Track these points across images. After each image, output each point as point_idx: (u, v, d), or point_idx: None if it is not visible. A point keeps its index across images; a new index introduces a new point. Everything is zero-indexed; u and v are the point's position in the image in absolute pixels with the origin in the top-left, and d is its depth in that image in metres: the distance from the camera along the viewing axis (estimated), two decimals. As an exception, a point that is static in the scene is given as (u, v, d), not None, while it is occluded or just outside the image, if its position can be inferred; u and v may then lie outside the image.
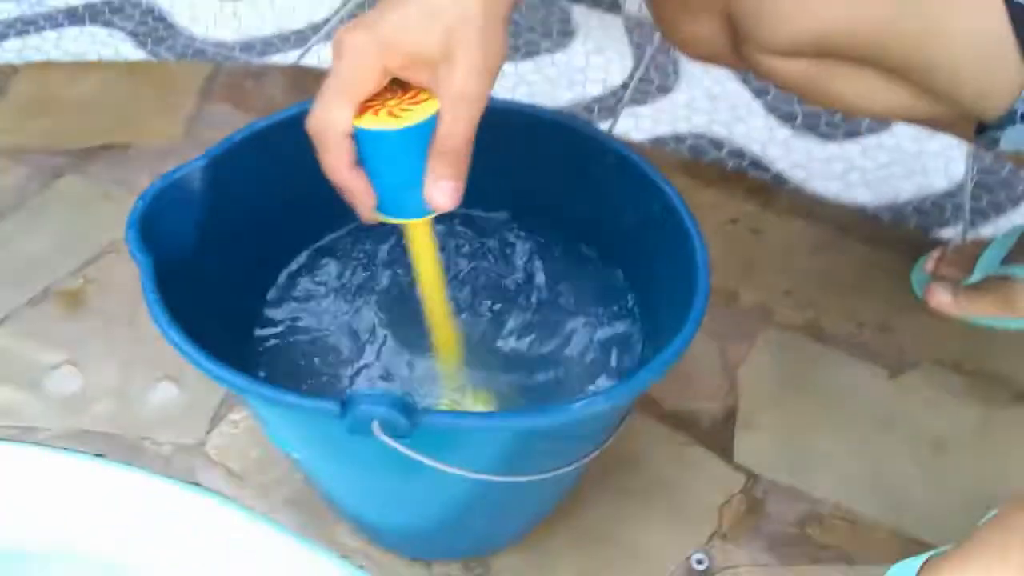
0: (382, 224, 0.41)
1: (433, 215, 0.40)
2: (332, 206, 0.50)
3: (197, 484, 0.58)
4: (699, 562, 0.57)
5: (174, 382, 0.63)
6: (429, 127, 0.36)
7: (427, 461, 0.35)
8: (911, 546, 0.57)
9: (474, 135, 0.37)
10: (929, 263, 0.71)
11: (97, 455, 0.60)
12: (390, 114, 0.36)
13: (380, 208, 0.39)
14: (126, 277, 0.69)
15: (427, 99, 0.36)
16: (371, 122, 0.36)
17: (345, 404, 0.34)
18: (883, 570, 0.56)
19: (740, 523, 0.58)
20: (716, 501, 0.59)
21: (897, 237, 0.75)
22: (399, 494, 0.44)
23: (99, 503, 0.57)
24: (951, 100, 0.48)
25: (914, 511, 0.59)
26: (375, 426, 0.34)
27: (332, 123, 0.36)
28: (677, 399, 0.64)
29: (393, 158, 0.37)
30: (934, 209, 0.78)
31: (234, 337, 0.45)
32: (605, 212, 0.50)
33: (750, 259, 0.73)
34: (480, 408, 0.47)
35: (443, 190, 0.37)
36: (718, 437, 0.62)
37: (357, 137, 0.37)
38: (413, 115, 0.36)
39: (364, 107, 0.36)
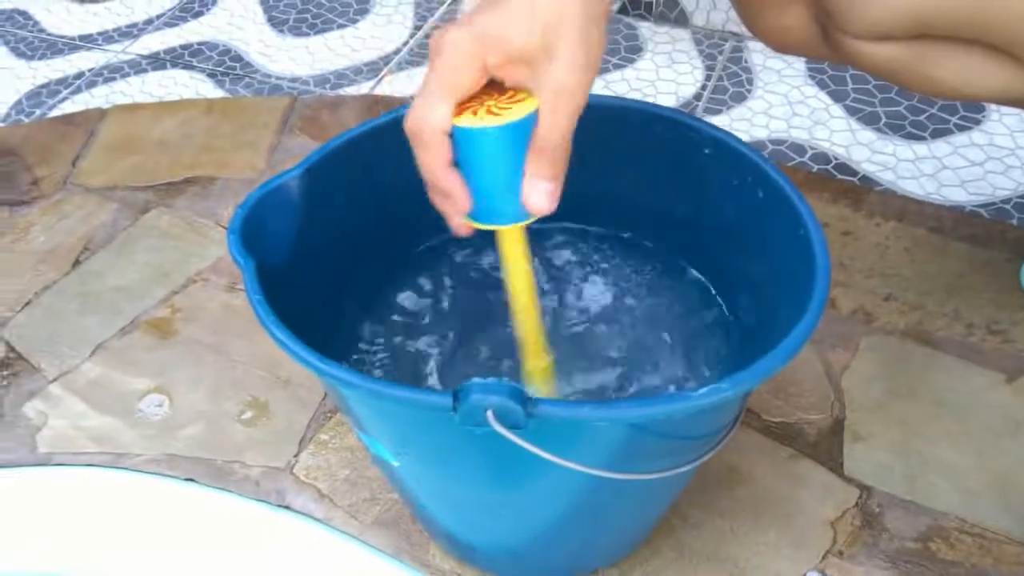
0: (474, 233, 0.39)
1: (527, 222, 0.38)
2: (427, 212, 0.50)
3: (287, 507, 0.58)
4: (815, 581, 0.53)
5: (262, 406, 0.63)
6: (528, 125, 0.35)
7: (540, 453, 0.33)
8: (1050, 561, 0.52)
9: (573, 132, 0.36)
10: (1039, 261, 0.67)
11: (187, 479, 0.59)
12: (489, 112, 0.35)
13: (473, 215, 0.38)
14: (212, 305, 0.70)
15: (525, 98, 0.36)
16: (469, 121, 0.35)
17: (458, 394, 0.33)
18: (1021, 588, 0.51)
19: (856, 539, 0.54)
20: (829, 516, 0.56)
21: (999, 235, 0.71)
22: (501, 500, 0.42)
23: (190, 527, 0.57)
24: None
25: (1050, 523, 0.54)
26: (489, 415, 0.32)
27: (430, 120, 0.35)
28: (779, 410, 0.61)
29: (491, 157, 0.36)
30: (1038, 205, 0.74)
31: (327, 342, 0.44)
32: (701, 210, 0.48)
33: (844, 263, 0.69)
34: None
35: (541, 191, 0.36)
36: (826, 449, 0.59)
37: (455, 137, 0.36)
38: (512, 113, 0.35)
39: (462, 108, 0.36)
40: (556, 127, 0.35)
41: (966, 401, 0.61)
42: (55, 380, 0.66)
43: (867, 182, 0.76)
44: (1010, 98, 0.49)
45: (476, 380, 0.32)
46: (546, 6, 0.34)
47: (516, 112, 0.35)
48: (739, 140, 0.44)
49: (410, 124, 0.36)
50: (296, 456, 0.60)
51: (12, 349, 0.68)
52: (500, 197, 0.37)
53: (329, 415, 0.62)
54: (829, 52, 0.52)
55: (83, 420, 0.63)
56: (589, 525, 0.46)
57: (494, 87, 0.36)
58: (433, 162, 0.36)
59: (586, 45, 0.34)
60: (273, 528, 0.57)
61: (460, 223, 0.39)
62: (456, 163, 0.36)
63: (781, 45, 0.55)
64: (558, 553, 0.50)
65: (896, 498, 0.56)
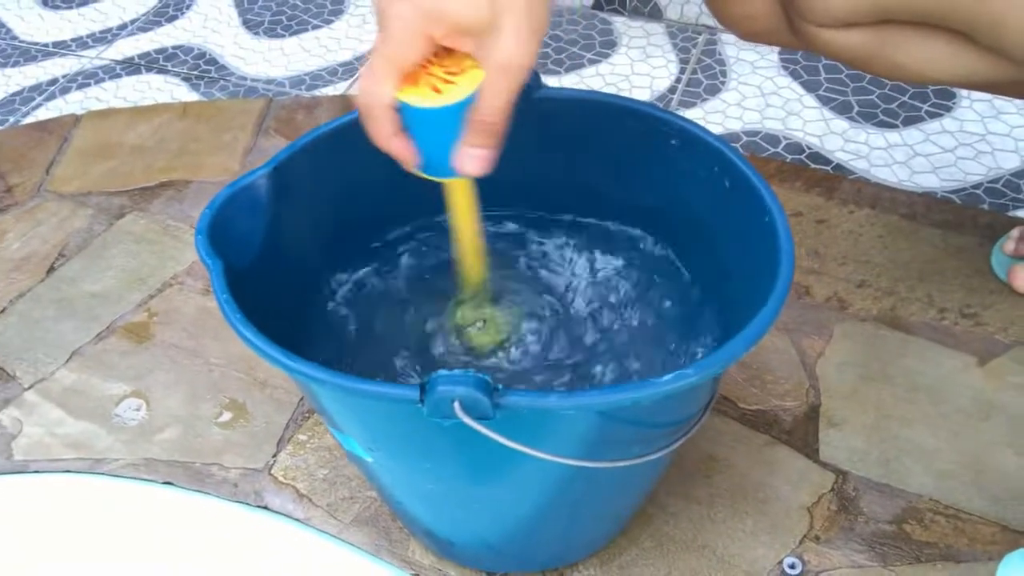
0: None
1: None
2: (393, 204, 0.50)
3: (265, 507, 0.58)
4: (792, 567, 0.53)
5: (239, 408, 0.63)
6: (469, 102, 0.37)
7: (509, 443, 0.34)
8: (1021, 540, 0.53)
9: (512, 107, 0.37)
10: (1009, 244, 0.68)
11: (165, 483, 0.59)
12: (433, 88, 0.37)
13: (423, 167, 0.40)
14: (189, 309, 0.70)
15: (471, 67, 0.37)
16: (414, 96, 0.37)
17: (424, 387, 0.33)
18: (994, 567, 0.52)
19: (833, 524, 0.55)
20: (805, 502, 0.56)
21: (970, 220, 0.71)
22: (475, 493, 0.42)
23: (168, 531, 0.57)
24: (1021, 60, 0.45)
25: (1022, 503, 0.55)
26: (456, 407, 0.32)
27: (377, 96, 0.37)
28: (755, 398, 0.61)
29: (434, 130, 0.38)
30: (1007, 189, 0.74)
31: (299, 339, 0.44)
32: (671, 199, 0.48)
33: (818, 251, 0.70)
34: (495, 336, 0.48)
35: (475, 158, 0.38)
36: (801, 435, 0.59)
37: (401, 109, 0.38)
38: (456, 90, 0.37)
39: (410, 76, 0.37)
40: (496, 102, 0.36)
41: (939, 385, 0.61)
42: (30, 387, 0.65)
43: (841, 171, 0.77)
44: (976, 82, 0.50)
45: (442, 372, 0.32)
46: None
47: (461, 88, 0.37)
48: (706, 130, 0.45)
49: (359, 99, 0.38)
50: (274, 457, 0.60)
51: (-13, 357, 0.68)
52: (443, 158, 0.39)
53: (307, 416, 0.62)
54: (795, 40, 0.52)
55: (59, 427, 0.63)
56: (566, 516, 0.46)
57: (442, 53, 0.38)
58: (381, 133, 0.38)
59: (530, 17, 0.35)
60: (252, 529, 0.56)
61: (412, 170, 0.41)
62: (404, 127, 0.38)
63: (748, 33, 0.55)
64: (537, 545, 0.50)
65: (871, 482, 0.57)
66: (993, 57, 0.47)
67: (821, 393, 0.61)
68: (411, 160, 0.39)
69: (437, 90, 0.37)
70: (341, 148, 0.47)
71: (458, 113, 0.37)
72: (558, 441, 0.36)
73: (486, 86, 0.36)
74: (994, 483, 0.56)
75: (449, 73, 0.37)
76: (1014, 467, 0.57)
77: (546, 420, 0.35)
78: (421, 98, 0.37)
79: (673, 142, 0.46)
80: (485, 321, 0.49)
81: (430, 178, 0.41)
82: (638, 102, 0.47)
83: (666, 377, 0.33)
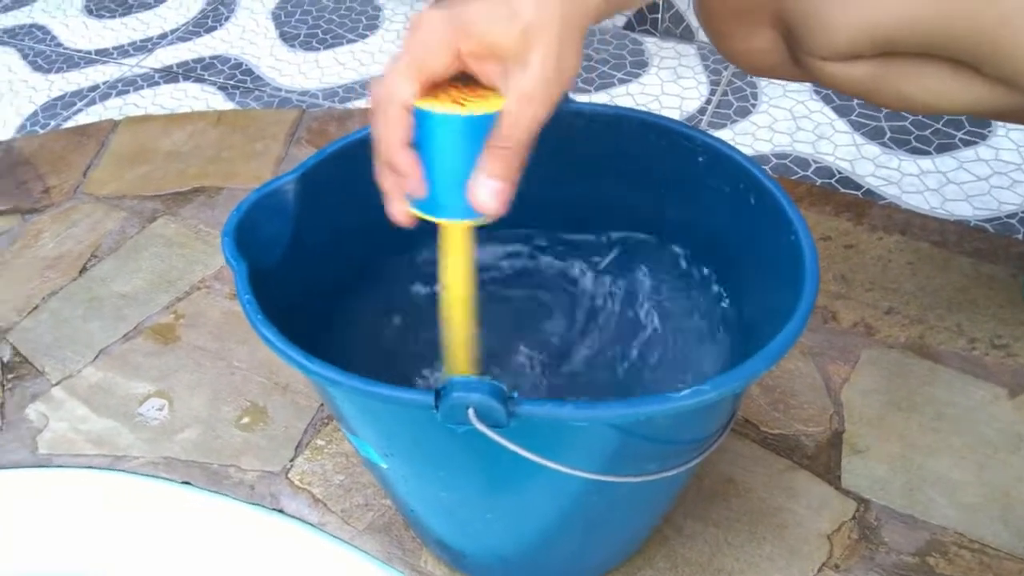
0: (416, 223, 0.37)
1: (474, 222, 0.37)
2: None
3: (281, 511, 0.58)
4: (810, 595, 0.52)
5: (260, 411, 0.64)
6: (490, 122, 0.35)
7: (522, 452, 0.33)
8: (1052, 578, 0.51)
9: (533, 141, 0.35)
10: (1044, 275, 0.66)
11: (183, 482, 0.60)
12: (454, 102, 0.35)
13: (420, 204, 0.37)
14: (215, 312, 0.71)
15: (491, 97, 0.35)
16: (433, 106, 0.35)
17: (440, 392, 0.33)
18: (1021, 606, 0.50)
19: (853, 553, 0.54)
20: (825, 529, 0.55)
21: (1003, 249, 0.70)
22: (488, 503, 0.42)
23: (184, 529, 0.57)
24: None
25: (1052, 539, 0.53)
26: (471, 414, 0.32)
27: (396, 94, 0.35)
28: (777, 422, 0.60)
29: (447, 146, 0.35)
30: (1044, 220, 0.73)
31: (321, 344, 0.44)
32: (696, 215, 0.48)
33: (846, 276, 0.69)
34: None
35: (491, 190, 0.35)
36: (824, 462, 0.58)
37: (417, 119, 0.35)
38: (477, 107, 0.35)
39: (428, 93, 0.35)
40: (516, 130, 0.35)
41: (967, 415, 0.60)
42: (58, 384, 0.67)
43: (871, 196, 0.76)
44: (983, 111, 0.49)
45: (458, 378, 0.32)
46: (530, 9, 0.34)
47: (481, 107, 0.35)
48: (732, 147, 0.45)
49: (375, 94, 0.35)
50: (292, 461, 0.60)
51: (17, 353, 0.69)
52: (450, 189, 0.36)
53: (326, 421, 0.63)
54: (799, 73, 0.52)
55: (83, 423, 0.64)
56: (579, 531, 0.46)
57: (464, 82, 0.36)
58: (391, 136, 0.35)
59: (560, 57, 0.34)
60: (266, 532, 0.57)
61: (401, 209, 0.37)
62: (414, 146, 0.36)
63: (752, 68, 0.55)
64: (549, 560, 0.50)
65: (894, 512, 0.55)
66: (999, 86, 0.46)
67: (845, 419, 0.60)
68: (414, 182, 0.36)
69: (459, 103, 0.35)
70: (369, 157, 0.47)
71: (478, 129, 0.35)
72: (572, 453, 0.36)
73: (507, 113, 0.34)
74: (1022, 518, 0.55)
75: (469, 99, 0.35)
76: (1044, 503, 0.55)
77: (561, 431, 0.35)
78: (441, 107, 0.35)
79: (700, 159, 0.46)
80: None
81: (428, 217, 0.37)
82: (664, 118, 0.47)
83: (683, 392, 0.33)
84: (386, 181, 0.37)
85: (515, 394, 0.33)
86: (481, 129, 0.35)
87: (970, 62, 0.45)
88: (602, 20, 0.38)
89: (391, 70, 0.35)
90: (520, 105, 0.34)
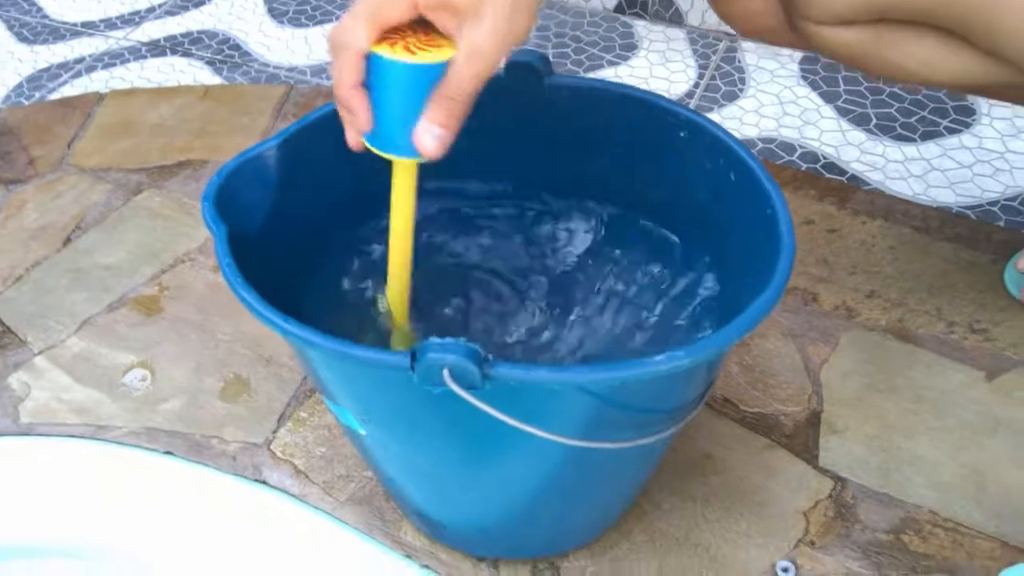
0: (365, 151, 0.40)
1: (419, 160, 0.40)
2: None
3: (263, 482, 0.58)
4: (785, 570, 0.53)
5: (243, 383, 0.64)
6: (437, 71, 0.37)
7: (495, 414, 0.34)
8: (1021, 557, 0.52)
9: (478, 93, 0.37)
10: (1022, 261, 0.67)
11: (165, 452, 0.60)
12: (406, 49, 0.37)
13: (372, 139, 0.40)
14: (199, 285, 0.71)
15: (444, 45, 0.37)
16: (386, 51, 0.37)
17: (415, 354, 0.33)
18: (991, 583, 0.51)
19: (829, 530, 0.54)
20: (802, 506, 0.56)
21: (984, 236, 0.71)
22: (465, 470, 0.42)
23: (166, 498, 0.57)
24: (1016, 63, 0.45)
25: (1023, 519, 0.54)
26: (446, 375, 0.32)
27: (352, 39, 0.37)
28: (757, 401, 0.61)
29: (397, 90, 0.38)
30: (1025, 208, 0.74)
31: (302, 309, 0.45)
32: (677, 189, 0.48)
33: (828, 259, 0.70)
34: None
35: (433, 135, 0.38)
36: (802, 440, 0.59)
37: (369, 62, 0.38)
38: (427, 55, 0.37)
39: (384, 37, 0.38)
40: (462, 82, 0.36)
41: (945, 397, 0.61)
42: (40, 353, 0.66)
43: (855, 182, 0.77)
44: (970, 84, 0.50)
45: (433, 339, 0.33)
46: None
47: (432, 55, 0.37)
48: (713, 123, 0.45)
49: (332, 36, 0.38)
50: (274, 433, 0.60)
51: (0, 322, 0.69)
52: (398, 129, 0.39)
53: (308, 394, 0.63)
54: (794, 38, 0.53)
55: (66, 392, 0.64)
56: (557, 500, 0.46)
57: (420, 28, 0.38)
58: (344, 76, 0.38)
59: (513, 17, 0.36)
60: (248, 502, 0.57)
61: (356, 141, 0.40)
62: (367, 87, 0.38)
63: (748, 29, 0.55)
64: (528, 531, 0.50)
65: (870, 490, 0.56)
66: (988, 59, 0.47)
67: (824, 400, 0.61)
68: (363, 119, 0.38)
69: (410, 51, 0.37)
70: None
71: (426, 76, 0.37)
72: (548, 418, 0.36)
73: (454, 66, 0.36)
74: (996, 498, 0.55)
75: (421, 47, 0.37)
76: (1017, 483, 0.56)
77: (536, 395, 0.35)
78: (393, 53, 0.37)
79: (681, 134, 0.46)
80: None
81: (379, 152, 0.40)
82: (647, 92, 0.47)
83: (658, 358, 0.33)
84: (342, 116, 0.40)
85: (490, 356, 0.33)
86: (427, 77, 0.37)
87: (962, 33, 0.45)
88: None
89: (350, 14, 0.37)
90: (469, 59, 0.36)
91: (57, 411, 0.63)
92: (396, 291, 0.46)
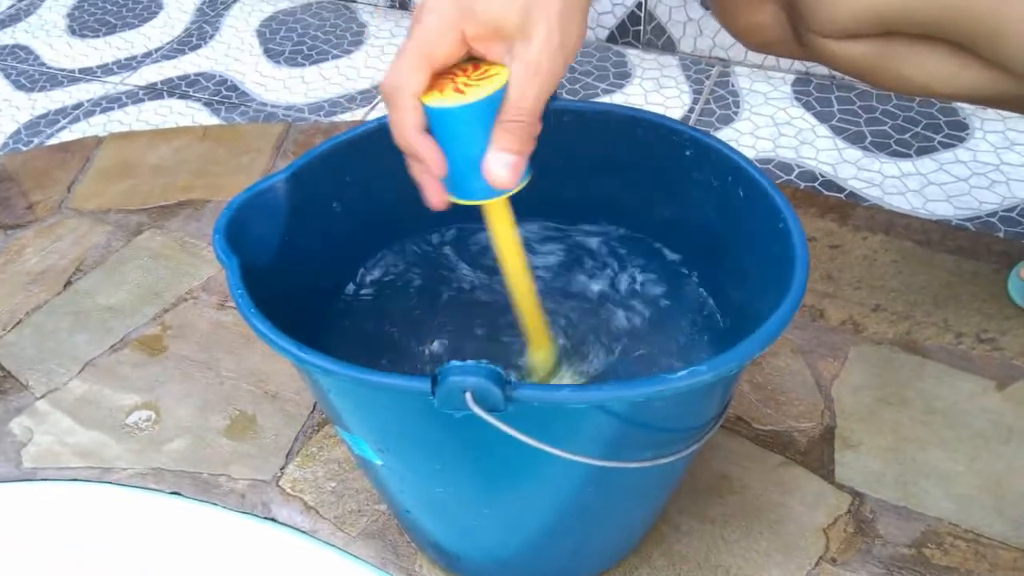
0: (450, 207, 0.39)
1: (504, 195, 0.38)
2: (408, 213, 0.51)
3: (272, 519, 0.57)
4: (808, 589, 0.52)
5: (249, 420, 0.63)
6: (493, 102, 0.36)
7: (519, 436, 0.33)
8: (1047, 566, 0.52)
9: (542, 112, 0.36)
10: (1025, 270, 0.67)
11: (172, 493, 0.59)
12: (456, 91, 0.36)
13: (452, 190, 0.38)
14: (202, 323, 0.70)
15: (495, 74, 0.36)
16: (436, 100, 0.36)
17: (436, 377, 0.33)
18: (1018, 594, 0.50)
19: (849, 546, 0.54)
20: (821, 523, 0.55)
21: (985, 246, 0.71)
22: (484, 498, 0.42)
23: (175, 540, 0.56)
24: (1022, 74, 0.46)
25: (1046, 528, 0.53)
26: (468, 398, 0.32)
27: (405, 84, 0.36)
28: (769, 419, 0.60)
29: (458, 135, 0.36)
30: (1022, 218, 0.74)
31: (313, 341, 0.44)
32: (685, 209, 0.49)
33: (833, 275, 0.70)
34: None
35: (504, 163, 0.36)
36: (817, 456, 0.58)
37: (426, 115, 0.36)
38: (478, 90, 0.36)
39: (435, 83, 0.36)
40: (524, 102, 0.35)
41: (957, 408, 0.60)
42: (42, 397, 0.66)
43: (854, 198, 0.77)
44: (978, 96, 0.50)
45: (454, 362, 0.32)
46: None
47: (483, 88, 0.36)
48: (719, 140, 0.45)
49: (385, 85, 0.36)
50: (282, 469, 0.60)
51: (1, 367, 0.68)
52: (472, 172, 0.37)
53: (316, 428, 0.62)
54: (801, 51, 0.53)
55: (69, 436, 0.63)
56: (576, 526, 0.45)
57: (468, 64, 0.37)
58: (405, 124, 0.36)
59: (563, 29, 0.35)
60: (259, 541, 0.56)
61: (438, 196, 0.38)
62: (429, 132, 0.37)
63: (755, 43, 0.56)
64: (545, 560, 0.49)
65: (888, 504, 0.56)
66: (995, 71, 0.47)
67: (836, 415, 0.61)
68: (437, 166, 0.37)
69: (460, 91, 0.36)
70: (358, 156, 0.48)
71: (483, 112, 0.36)
72: (569, 438, 0.36)
73: (514, 85, 0.35)
74: (1015, 508, 0.55)
75: (471, 83, 0.36)
76: (1036, 492, 0.55)
77: (558, 415, 0.35)
78: (443, 100, 0.36)
79: (687, 153, 0.46)
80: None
81: (461, 201, 0.38)
82: (652, 113, 0.47)
83: (680, 373, 0.33)
84: (414, 169, 0.38)
85: (512, 378, 0.33)
86: (485, 112, 0.36)
87: (969, 46, 0.46)
88: None
89: (399, 60, 0.36)
90: (527, 76, 0.35)
91: (60, 455, 0.62)
92: (532, 327, 0.44)
